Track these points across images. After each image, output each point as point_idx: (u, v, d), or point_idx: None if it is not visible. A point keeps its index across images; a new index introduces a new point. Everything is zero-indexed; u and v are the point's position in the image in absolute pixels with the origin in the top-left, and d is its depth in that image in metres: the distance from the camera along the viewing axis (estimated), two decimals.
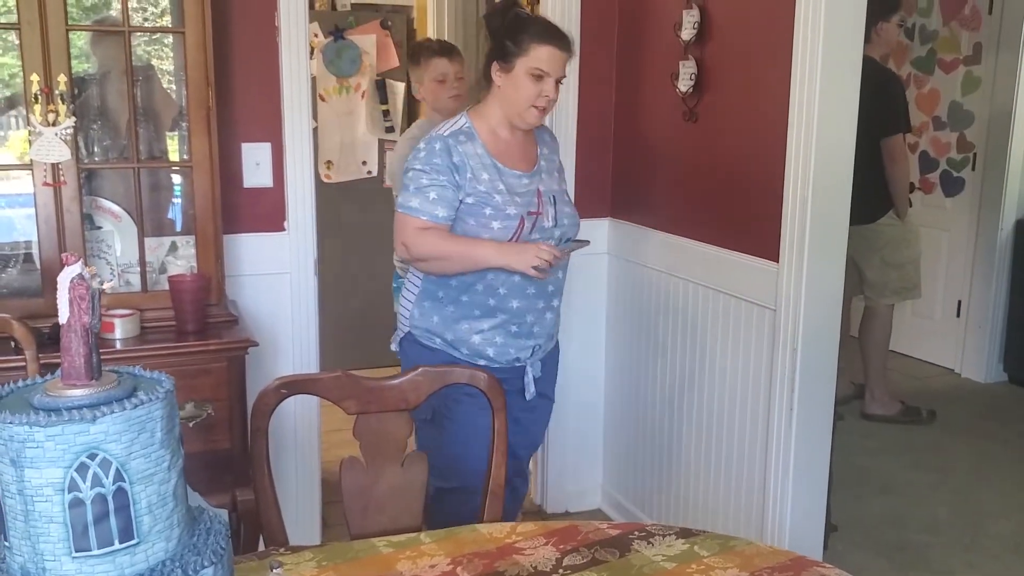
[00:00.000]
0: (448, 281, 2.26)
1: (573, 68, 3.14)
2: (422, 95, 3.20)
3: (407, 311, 2.36)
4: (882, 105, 3.71)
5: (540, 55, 2.21)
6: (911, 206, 4.15)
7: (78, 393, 0.92)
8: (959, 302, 4.90)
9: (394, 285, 3.29)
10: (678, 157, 2.87)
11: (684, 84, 2.75)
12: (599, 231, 3.29)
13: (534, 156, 2.36)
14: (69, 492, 0.88)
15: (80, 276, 0.92)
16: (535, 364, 2.40)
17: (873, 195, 3.89)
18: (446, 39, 4.60)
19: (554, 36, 2.24)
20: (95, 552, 0.89)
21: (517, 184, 2.27)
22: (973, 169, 4.83)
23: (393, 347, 2.46)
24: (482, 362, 2.27)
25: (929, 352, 5.07)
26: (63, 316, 0.93)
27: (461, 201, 2.20)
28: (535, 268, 2.16)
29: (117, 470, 0.89)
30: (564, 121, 3.18)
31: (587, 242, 2.44)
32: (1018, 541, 3.18)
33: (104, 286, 0.95)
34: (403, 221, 2.21)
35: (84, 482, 0.88)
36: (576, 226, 2.43)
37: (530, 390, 2.39)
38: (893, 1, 3.83)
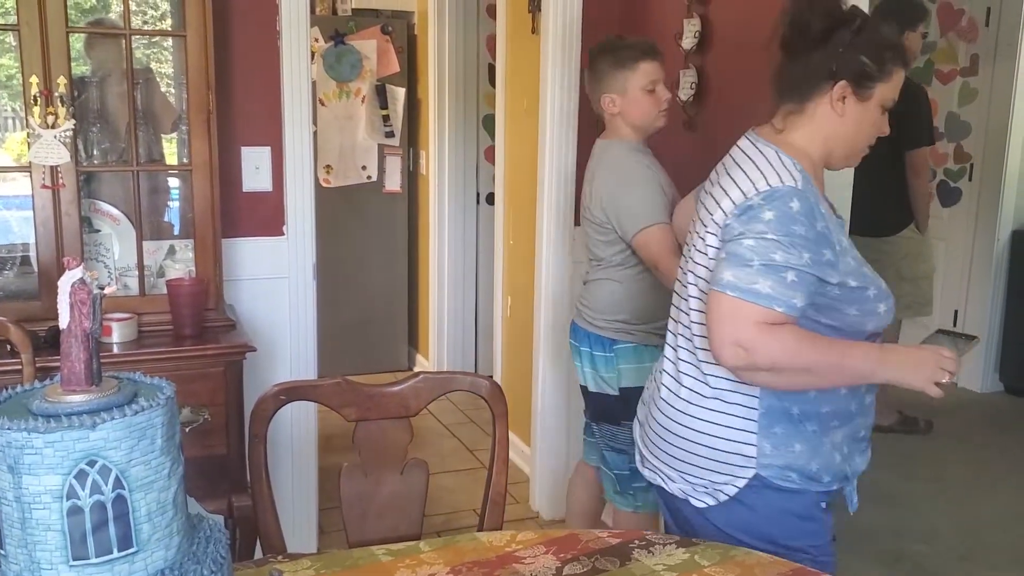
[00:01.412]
0: (805, 391, 1.61)
1: (574, 76, 3.15)
2: (618, 109, 2.45)
3: (746, 443, 1.60)
4: (907, 117, 3.71)
5: (897, 82, 1.63)
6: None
7: (78, 399, 0.91)
8: (955, 312, 4.91)
9: (591, 366, 2.56)
10: (679, 165, 2.86)
11: (685, 93, 2.75)
12: None
13: None
14: (67, 499, 0.87)
15: (81, 281, 0.91)
16: None
17: (895, 207, 3.89)
18: (439, 47, 4.61)
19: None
20: (93, 561, 0.88)
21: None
22: (970, 180, 4.83)
23: (697, 501, 1.66)
24: (836, 487, 1.69)
25: None
26: (63, 321, 0.92)
27: (826, 283, 1.54)
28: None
29: (117, 477, 0.88)
30: (564, 130, 3.18)
31: (975, 338, 1.85)
32: (1016, 551, 3.17)
33: (105, 291, 0.95)
34: (739, 311, 1.48)
35: (83, 489, 0.87)
36: None
37: (853, 500, 1.77)
38: (920, 11, 3.81)
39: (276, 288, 2.85)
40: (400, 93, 4.87)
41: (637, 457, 1.80)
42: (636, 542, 1.51)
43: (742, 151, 1.63)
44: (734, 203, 1.55)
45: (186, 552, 0.96)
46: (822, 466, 1.62)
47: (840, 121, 1.60)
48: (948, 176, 4.95)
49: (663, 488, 1.70)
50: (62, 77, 2.24)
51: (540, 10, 3.24)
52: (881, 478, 3.71)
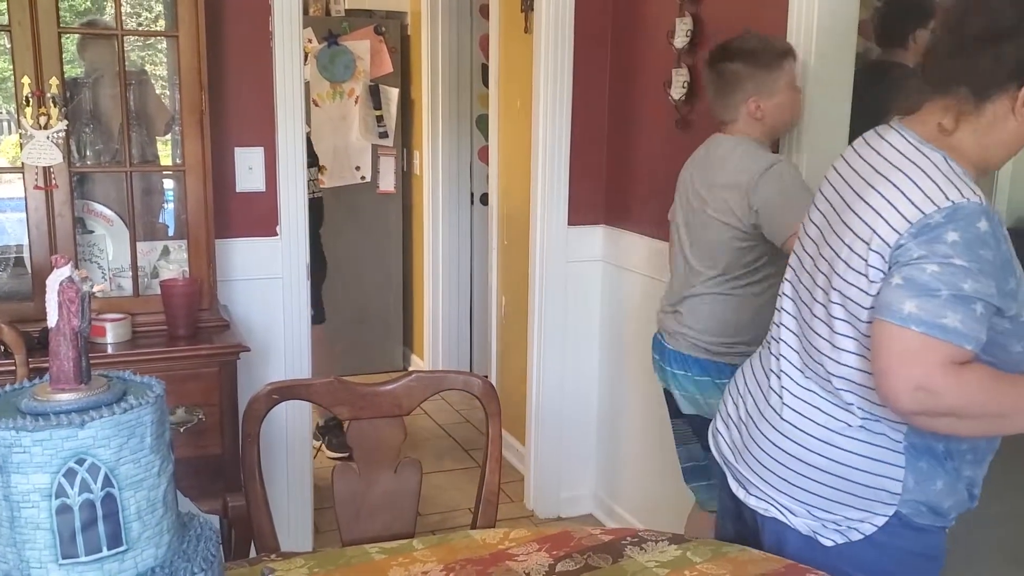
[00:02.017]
0: None
1: (567, 76, 3.15)
2: (763, 113, 2.18)
3: (892, 479, 1.43)
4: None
5: None
6: None
7: (67, 397, 0.91)
8: None
9: (693, 389, 2.30)
10: (671, 164, 2.87)
11: (677, 92, 2.75)
12: (593, 238, 3.29)
13: None
14: (56, 498, 0.87)
15: (69, 279, 0.91)
16: None
17: None
18: (432, 47, 4.62)
19: None
20: (83, 559, 0.88)
21: None
22: None
23: (825, 540, 1.48)
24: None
25: None
26: (52, 319, 0.92)
27: (1002, 314, 1.34)
28: None
29: (106, 475, 0.88)
30: (557, 130, 3.18)
31: None
32: (1015, 549, 3.17)
33: (95, 289, 0.95)
34: (926, 349, 1.27)
35: (72, 488, 0.87)
36: None
37: None
38: (929, 8, 3.81)
39: (270, 288, 2.85)
40: (393, 93, 4.87)
41: (732, 482, 1.61)
42: (628, 539, 1.51)
43: (898, 151, 1.40)
44: (906, 219, 1.31)
45: (176, 550, 0.96)
46: (953, 504, 1.49)
47: (1016, 128, 1.37)
48: None
49: (777, 520, 1.52)
50: (54, 78, 2.24)
51: (533, 10, 3.25)
52: None
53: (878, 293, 1.33)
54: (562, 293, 3.30)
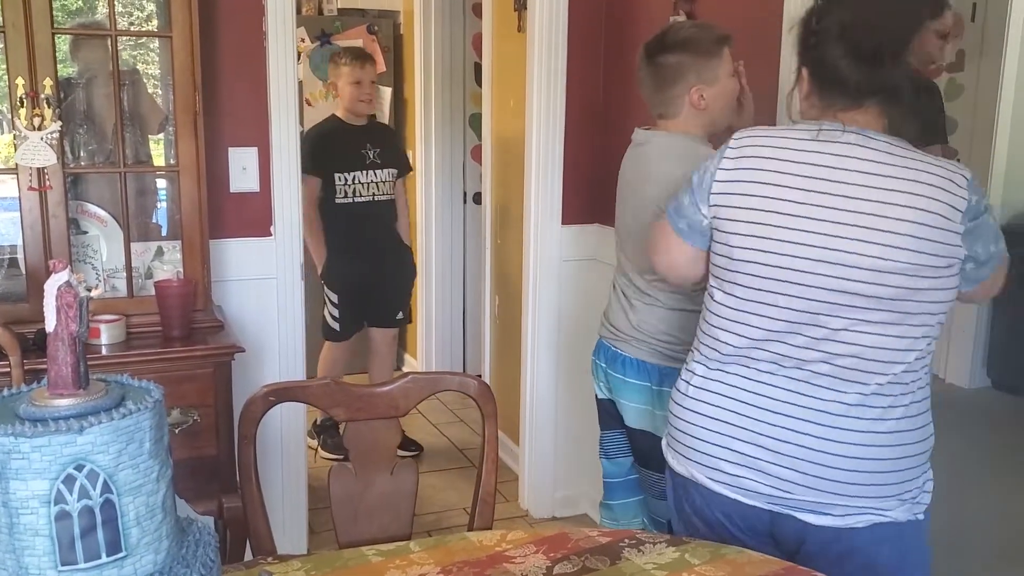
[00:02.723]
0: None
1: (561, 75, 3.15)
2: (706, 103, 2.12)
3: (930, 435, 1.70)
4: (922, 114, 3.68)
5: None
6: None
7: (65, 403, 0.90)
8: None
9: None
10: None
11: None
12: (587, 237, 3.29)
13: None
14: (55, 504, 0.86)
15: (67, 283, 0.90)
16: None
17: None
18: (425, 46, 4.62)
19: None
20: (82, 566, 0.88)
21: None
22: None
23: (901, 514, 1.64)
24: None
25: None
26: (50, 324, 0.91)
27: None
28: None
29: (105, 482, 0.88)
30: (551, 128, 3.18)
31: None
32: (1006, 548, 3.18)
33: (92, 293, 0.94)
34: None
35: (71, 494, 0.87)
36: None
37: None
38: (937, 7, 3.79)
39: (264, 289, 2.85)
40: (386, 93, 4.86)
41: (746, 498, 1.58)
42: (626, 541, 1.51)
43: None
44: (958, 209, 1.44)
45: (175, 556, 0.95)
46: None
47: None
48: None
49: (876, 524, 1.57)
50: (48, 79, 2.23)
51: (526, 8, 3.24)
52: None
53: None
54: (556, 292, 3.30)
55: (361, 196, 3.73)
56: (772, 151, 1.55)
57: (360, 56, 3.75)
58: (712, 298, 1.62)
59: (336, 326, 3.83)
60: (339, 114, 3.77)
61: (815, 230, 1.49)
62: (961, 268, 1.49)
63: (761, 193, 1.53)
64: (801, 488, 1.53)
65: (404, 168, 3.96)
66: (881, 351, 1.50)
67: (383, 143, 3.84)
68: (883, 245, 1.44)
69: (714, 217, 1.60)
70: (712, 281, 1.63)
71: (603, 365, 2.27)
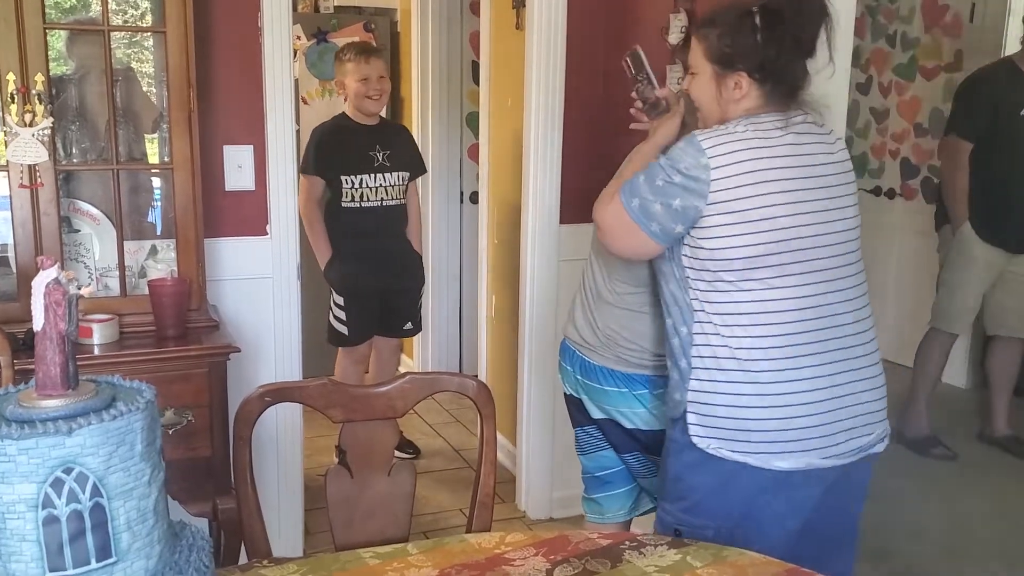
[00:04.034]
0: None
1: (559, 70, 3.13)
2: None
3: None
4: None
5: None
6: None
7: (53, 404, 0.88)
8: None
9: None
10: None
11: (672, 88, 2.73)
12: (586, 237, 3.26)
13: None
14: (43, 508, 0.84)
15: (56, 281, 0.88)
16: None
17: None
18: (422, 44, 4.58)
19: None
20: (71, 572, 0.85)
21: None
22: None
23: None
24: None
25: (911, 357, 5.08)
26: (38, 323, 0.89)
27: None
28: None
29: (94, 485, 0.85)
30: (549, 127, 3.16)
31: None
32: (1003, 548, 3.17)
33: (82, 291, 0.92)
34: None
35: (59, 498, 0.84)
36: None
37: None
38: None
39: (260, 288, 2.82)
40: None
41: (850, 457, 1.78)
42: (627, 543, 1.49)
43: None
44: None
45: (168, 561, 0.93)
46: None
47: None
48: (932, 172, 4.96)
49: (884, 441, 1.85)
50: (40, 74, 2.20)
51: (524, 6, 3.22)
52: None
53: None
54: (554, 292, 3.27)
55: (369, 200, 3.56)
56: (756, 151, 1.68)
57: (365, 51, 3.58)
58: (748, 292, 1.69)
59: (344, 330, 3.67)
60: (348, 112, 3.61)
61: (811, 199, 1.70)
62: None
63: (770, 190, 1.67)
64: (879, 425, 1.80)
65: (417, 170, 3.77)
66: (866, 306, 1.78)
67: (394, 144, 3.64)
68: (849, 206, 1.76)
69: (715, 224, 1.68)
70: (733, 276, 1.69)
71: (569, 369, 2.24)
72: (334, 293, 3.67)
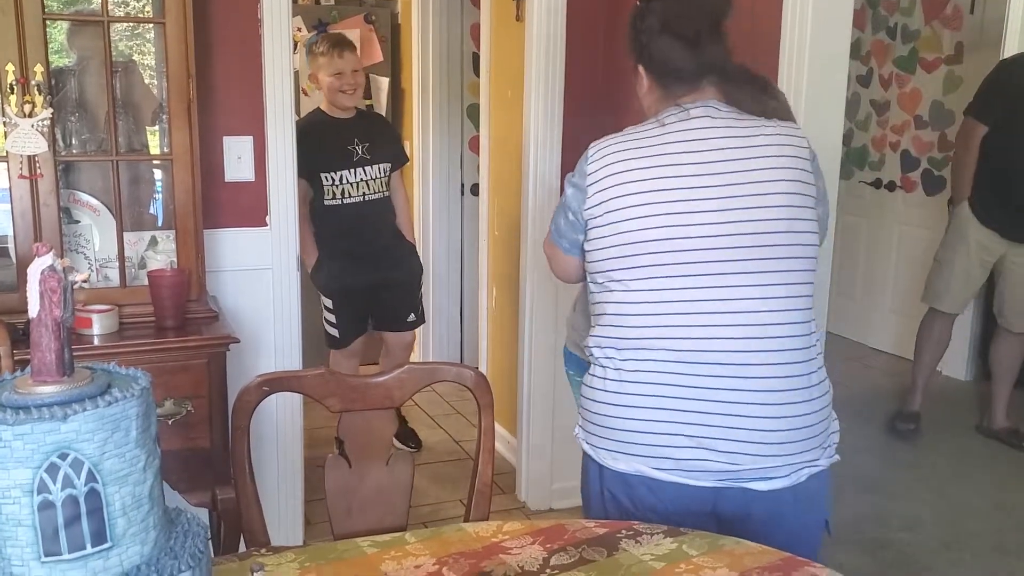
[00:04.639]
0: None
1: (560, 61, 3.12)
2: None
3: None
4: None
5: None
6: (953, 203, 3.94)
7: (48, 390, 0.88)
8: None
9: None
10: None
11: None
12: None
13: None
14: (38, 494, 0.84)
15: (51, 268, 0.88)
16: None
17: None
18: (423, 36, 4.58)
19: None
20: (66, 557, 0.86)
21: None
22: None
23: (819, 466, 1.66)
24: None
25: (911, 350, 5.08)
26: (33, 309, 0.89)
27: None
28: None
29: (89, 471, 0.86)
30: (550, 119, 3.16)
31: None
32: (999, 539, 3.18)
33: (78, 278, 0.92)
34: None
35: (54, 483, 0.84)
36: None
37: None
38: None
39: (259, 279, 2.82)
40: (384, 83, 4.83)
41: (695, 480, 1.61)
42: (623, 532, 1.50)
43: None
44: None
45: (163, 547, 0.93)
46: None
47: None
48: (932, 164, 4.96)
49: (811, 477, 1.62)
50: (39, 65, 2.20)
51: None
52: (865, 466, 3.72)
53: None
54: (553, 284, 3.27)
55: (351, 197, 3.49)
56: (626, 152, 1.65)
57: (338, 43, 3.48)
58: (611, 293, 1.65)
59: (335, 333, 3.65)
60: (323, 107, 3.54)
61: (699, 196, 1.58)
62: (816, 215, 1.63)
63: (635, 191, 1.61)
64: (749, 457, 1.58)
65: (398, 160, 3.69)
66: (793, 310, 1.59)
67: (372, 136, 3.56)
68: (762, 195, 1.57)
69: (592, 228, 1.67)
70: (604, 278, 1.66)
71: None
72: (324, 296, 3.62)
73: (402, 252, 3.71)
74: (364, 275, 3.58)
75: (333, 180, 3.47)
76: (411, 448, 3.85)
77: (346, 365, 3.71)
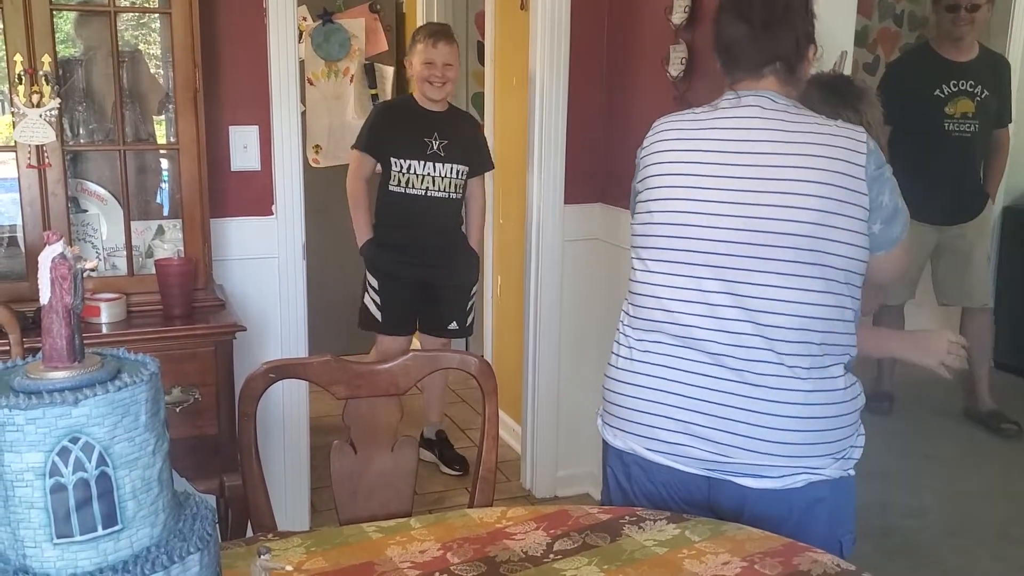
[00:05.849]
0: None
1: (564, 50, 3.13)
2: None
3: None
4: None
5: None
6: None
7: (60, 375, 0.90)
8: None
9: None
10: None
11: (675, 68, 2.73)
12: (590, 216, 3.28)
13: None
14: (50, 477, 0.86)
15: (62, 255, 0.89)
16: None
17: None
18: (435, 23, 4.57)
19: None
20: (77, 538, 0.87)
21: None
22: None
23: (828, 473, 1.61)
24: None
25: None
26: (44, 297, 0.90)
27: None
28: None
29: (100, 454, 0.87)
30: (554, 108, 3.16)
31: None
32: (1004, 526, 3.19)
33: (88, 265, 0.93)
34: None
35: (66, 467, 0.86)
36: None
37: None
38: None
39: (266, 268, 2.84)
40: (389, 72, 4.83)
41: (685, 465, 1.62)
42: (627, 517, 1.51)
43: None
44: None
45: (172, 529, 0.95)
46: None
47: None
48: None
49: (810, 483, 1.58)
50: (47, 55, 2.21)
51: None
52: (869, 454, 3.72)
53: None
54: (558, 272, 3.29)
55: (413, 188, 3.32)
56: (675, 132, 1.67)
57: (436, 33, 3.34)
58: (636, 271, 1.69)
59: (379, 315, 3.47)
60: (415, 94, 3.41)
61: (727, 187, 1.57)
62: (869, 229, 1.56)
63: (670, 171, 1.63)
64: (740, 451, 1.57)
65: (479, 166, 3.46)
66: (805, 316, 1.54)
67: (454, 136, 3.35)
68: (792, 194, 1.52)
69: (636, 203, 1.72)
70: (634, 254, 1.70)
71: None
72: (368, 275, 3.49)
73: (457, 257, 3.51)
74: (409, 268, 3.44)
75: (401, 167, 3.33)
76: (456, 471, 3.65)
77: (395, 349, 3.48)
